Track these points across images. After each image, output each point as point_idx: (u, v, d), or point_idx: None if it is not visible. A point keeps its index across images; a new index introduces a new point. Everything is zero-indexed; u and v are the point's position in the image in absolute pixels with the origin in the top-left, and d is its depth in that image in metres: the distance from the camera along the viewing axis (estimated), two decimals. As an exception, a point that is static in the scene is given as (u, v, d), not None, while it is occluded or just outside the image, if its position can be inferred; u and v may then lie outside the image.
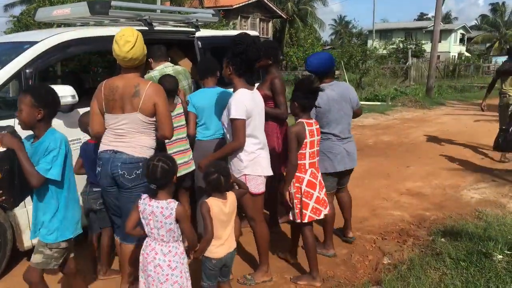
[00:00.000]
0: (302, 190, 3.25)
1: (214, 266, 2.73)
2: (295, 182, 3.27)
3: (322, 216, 3.35)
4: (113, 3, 4.04)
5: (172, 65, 4.15)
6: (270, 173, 3.28)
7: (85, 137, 3.70)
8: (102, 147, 2.91)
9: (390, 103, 15.44)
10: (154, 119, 2.87)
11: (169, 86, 3.57)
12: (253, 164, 3.15)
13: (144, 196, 2.51)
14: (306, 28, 37.53)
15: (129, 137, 2.84)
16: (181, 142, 3.71)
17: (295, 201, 3.29)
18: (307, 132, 3.22)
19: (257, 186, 3.19)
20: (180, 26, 4.97)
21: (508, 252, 3.61)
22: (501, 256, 3.54)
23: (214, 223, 2.63)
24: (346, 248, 4.04)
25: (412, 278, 3.34)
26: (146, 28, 4.31)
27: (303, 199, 3.26)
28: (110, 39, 4.01)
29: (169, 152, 3.75)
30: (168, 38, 4.68)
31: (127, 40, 2.70)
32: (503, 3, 50.99)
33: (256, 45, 3.07)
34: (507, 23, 49.25)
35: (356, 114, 3.92)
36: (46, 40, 3.61)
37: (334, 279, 3.51)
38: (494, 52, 46.26)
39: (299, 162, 3.24)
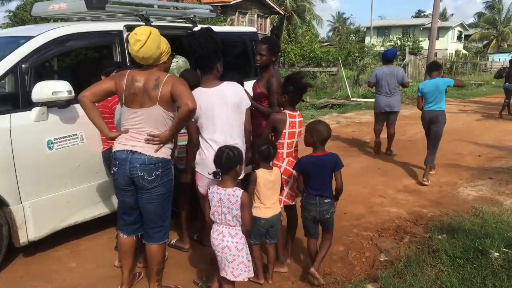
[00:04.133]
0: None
1: (262, 226, 3.22)
2: None
3: (294, 202, 3.53)
4: (110, -3, 4.02)
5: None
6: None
7: (81, 133, 3.69)
8: (118, 147, 2.85)
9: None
10: (172, 114, 2.82)
11: (193, 80, 3.51)
12: (202, 164, 3.12)
13: (214, 185, 2.80)
14: (304, 24, 37.51)
15: (147, 135, 2.79)
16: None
17: None
18: (287, 123, 3.33)
19: (204, 187, 3.12)
20: (178, 22, 4.94)
21: (505, 249, 3.62)
22: (497, 254, 3.54)
23: (261, 189, 3.15)
24: (343, 245, 4.04)
25: (409, 275, 3.34)
26: (143, 23, 4.28)
27: None
28: (107, 34, 4.09)
29: (178, 144, 3.75)
30: (165, 33, 4.63)
31: (137, 39, 2.68)
32: (500, 0, 51.02)
33: (195, 38, 3.02)
34: (504, 20, 49.28)
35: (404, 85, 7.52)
36: (42, 35, 3.58)
37: (331, 276, 3.51)
38: (491, 49, 46.34)
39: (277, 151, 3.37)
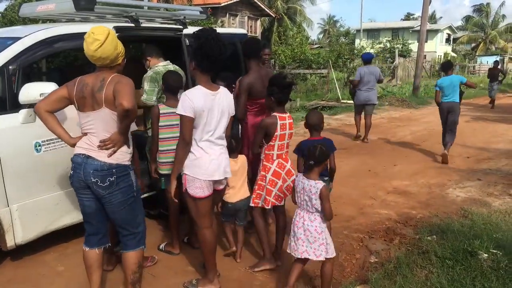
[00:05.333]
0: (267, 179, 3.51)
1: (230, 209, 3.68)
2: (261, 170, 3.53)
3: (283, 203, 3.64)
4: (98, -2, 3.98)
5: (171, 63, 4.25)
6: (214, 178, 3.09)
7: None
8: (76, 150, 2.80)
9: (377, 102, 15.52)
10: None
11: (173, 82, 3.60)
12: (193, 165, 3.06)
13: (300, 174, 3.10)
14: (295, 26, 37.59)
15: (100, 139, 2.73)
16: (175, 141, 3.63)
17: (255, 187, 3.58)
18: (278, 125, 3.42)
19: (195, 189, 3.06)
20: (168, 23, 4.92)
21: (493, 250, 3.64)
22: (486, 255, 3.57)
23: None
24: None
25: (399, 276, 3.35)
26: (133, 24, 4.26)
27: (268, 186, 3.51)
28: None
29: (160, 148, 3.71)
30: (155, 35, 4.63)
31: (95, 38, 2.62)
32: (488, 4, 51.65)
33: (215, 40, 2.96)
34: (492, 24, 49.86)
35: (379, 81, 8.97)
36: (29, 36, 3.54)
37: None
38: (479, 52, 46.81)
39: (267, 152, 3.51)
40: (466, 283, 3.21)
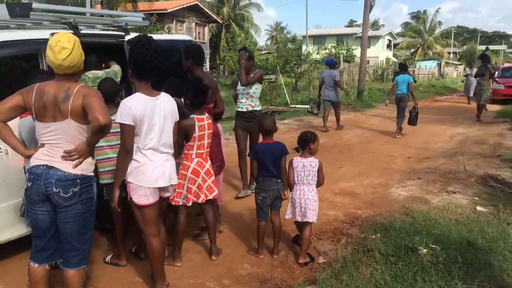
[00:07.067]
0: (187, 177, 3.66)
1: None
2: (181, 169, 3.65)
3: (200, 200, 3.76)
4: (34, 5, 3.84)
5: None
6: (159, 185, 3.08)
7: (5, 147, 3.48)
8: (34, 161, 2.67)
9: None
10: (87, 126, 2.66)
11: (105, 89, 3.48)
12: (137, 173, 3.02)
13: (296, 157, 3.81)
14: (243, 33, 37.88)
15: (64, 150, 2.64)
16: (112, 149, 3.56)
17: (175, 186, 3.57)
18: (196, 127, 3.60)
19: (140, 197, 3.03)
20: (111, 30, 4.81)
21: (432, 245, 3.84)
22: (426, 250, 3.75)
23: None
24: (283, 250, 4.09)
25: (345, 275, 3.45)
26: (71, 31, 4.12)
27: (188, 184, 3.66)
28: (32, 42, 3.89)
29: (97, 158, 3.59)
30: (95, 41, 4.50)
31: (63, 46, 2.53)
32: (424, 11, 54.56)
33: (147, 46, 2.93)
34: (428, 30, 52.59)
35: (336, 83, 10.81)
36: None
37: (271, 281, 3.55)
38: (418, 57, 49.21)
39: (187, 152, 3.67)
40: (408, 278, 3.36)
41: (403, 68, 10.67)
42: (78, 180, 2.67)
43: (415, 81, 14.00)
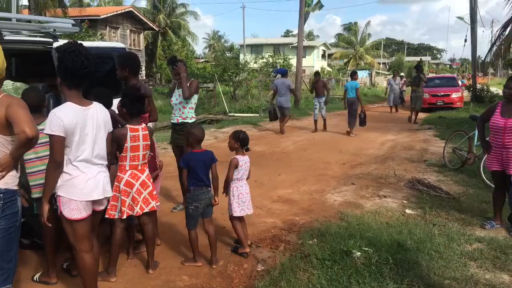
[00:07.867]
0: (120, 189, 3.56)
1: None
2: (116, 181, 3.57)
3: (135, 213, 3.63)
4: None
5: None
6: (93, 198, 2.98)
7: None
8: None
9: (262, 114, 16.13)
10: (12, 137, 2.51)
11: (31, 100, 3.24)
12: (68, 186, 2.90)
13: (239, 156, 4.05)
14: (179, 41, 37.51)
15: None
16: (41, 161, 3.36)
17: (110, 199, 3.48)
18: (128, 137, 3.52)
19: (71, 211, 2.91)
20: (38, 36, 4.56)
21: (365, 248, 3.99)
22: (359, 253, 3.89)
23: None
24: (222, 259, 4.07)
25: (284, 281, 3.50)
26: (-6, 37, 3.88)
27: (122, 197, 3.56)
28: None
29: (27, 171, 3.39)
30: (21, 48, 4.26)
31: None
32: (355, 23, 57.19)
33: (76, 53, 2.83)
34: (360, 41, 55.09)
35: (291, 91, 12.40)
36: None
37: (210, 292, 3.51)
38: (351, 67, 51.26)
39: (120, 163, 3.60)
40: (343, 281, 3.46)
41: (352, 74, 12.42)
42: (1, 195, 2.51)
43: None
